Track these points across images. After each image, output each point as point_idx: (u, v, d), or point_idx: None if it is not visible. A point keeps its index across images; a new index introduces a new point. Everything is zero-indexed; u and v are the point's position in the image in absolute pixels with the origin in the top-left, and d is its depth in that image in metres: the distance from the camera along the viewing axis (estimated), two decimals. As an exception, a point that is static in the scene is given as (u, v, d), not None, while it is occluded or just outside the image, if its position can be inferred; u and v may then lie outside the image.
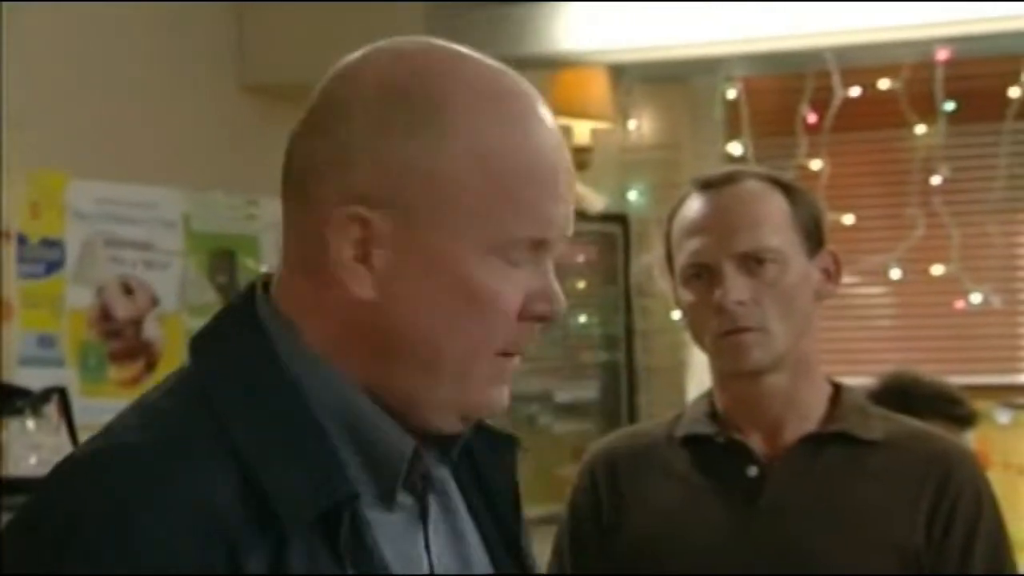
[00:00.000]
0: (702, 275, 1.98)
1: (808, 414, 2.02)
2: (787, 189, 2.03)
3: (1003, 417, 4.61)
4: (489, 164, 1.19)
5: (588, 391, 4.94)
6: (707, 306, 1.96)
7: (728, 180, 2.02)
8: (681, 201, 2.05)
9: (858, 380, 3.43)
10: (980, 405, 4.60)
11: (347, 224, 1.18)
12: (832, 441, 2.01)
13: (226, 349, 1.25)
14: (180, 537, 1.13)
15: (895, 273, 4.66)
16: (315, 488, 1.17)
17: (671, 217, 2.05)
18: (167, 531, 1.13)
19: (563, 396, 4.88)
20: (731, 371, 2.01)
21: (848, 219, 4.65)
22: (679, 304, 2.04)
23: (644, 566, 2.01)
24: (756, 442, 2.02)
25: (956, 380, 4.06)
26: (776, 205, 2.00)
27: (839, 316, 4.75)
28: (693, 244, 1.99)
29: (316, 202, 1.19)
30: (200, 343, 1.27)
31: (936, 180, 4.61)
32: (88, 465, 1.19)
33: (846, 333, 4.75)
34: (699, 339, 2.02)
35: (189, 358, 1.27)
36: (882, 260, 4.63)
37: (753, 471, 1.99)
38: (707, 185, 2.02)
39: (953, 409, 3.46)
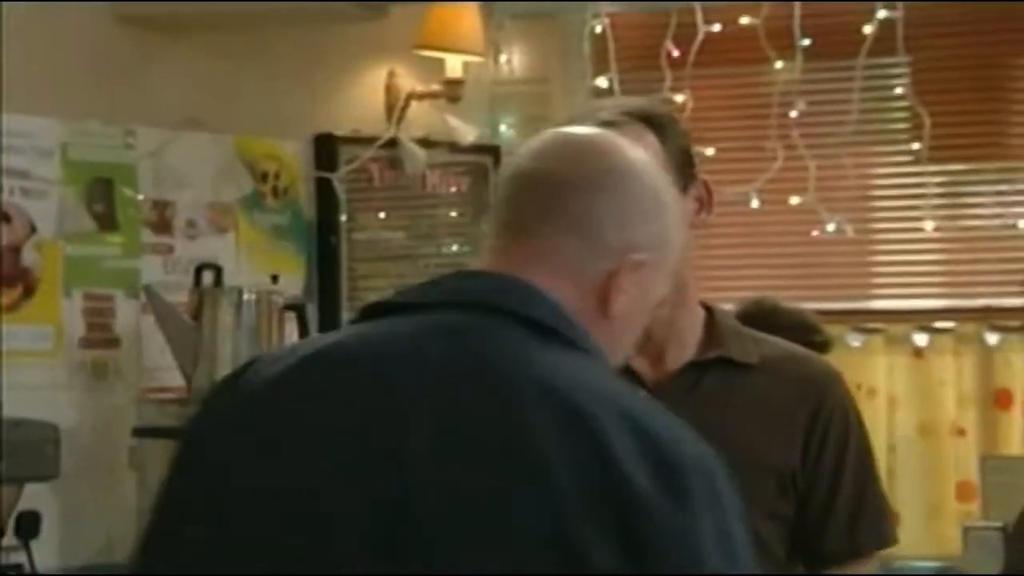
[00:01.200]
0: None
1: (686, 339, 2.09)
2: (657, 125, 2.06)
3: (855, 341, 4.80)
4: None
5: (460, 318, 5.04)
6: None
7: (603, 126, 1.99)
8: None
9: (724, 306, 3.59)
10: (833, 329, 4.79)
11: (634, 264, 1.58)
12: (713, 366, 2.08)
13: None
14: None
15: (754, 203, 4.82)
16: None
17: None
18: None
19: (435, 323, 4.99)
20: None
21: (709, 151, 4.80)
22: None
23: None
24: (643, 367, 2.07)
25: (811, 305, 4.24)
26: (650, 148, 2.02)
27: (699, 244, 4.90)
28: None
29: (598, 241, 1.58)
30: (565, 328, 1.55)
31: (794, 114, 4.77)
32: None
33: (707, 260, 4.90)
34: None
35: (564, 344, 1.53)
36: (742, 191, 4.79)
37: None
38: (604, 126, 2.00)
39: (811, 336, 3.60)
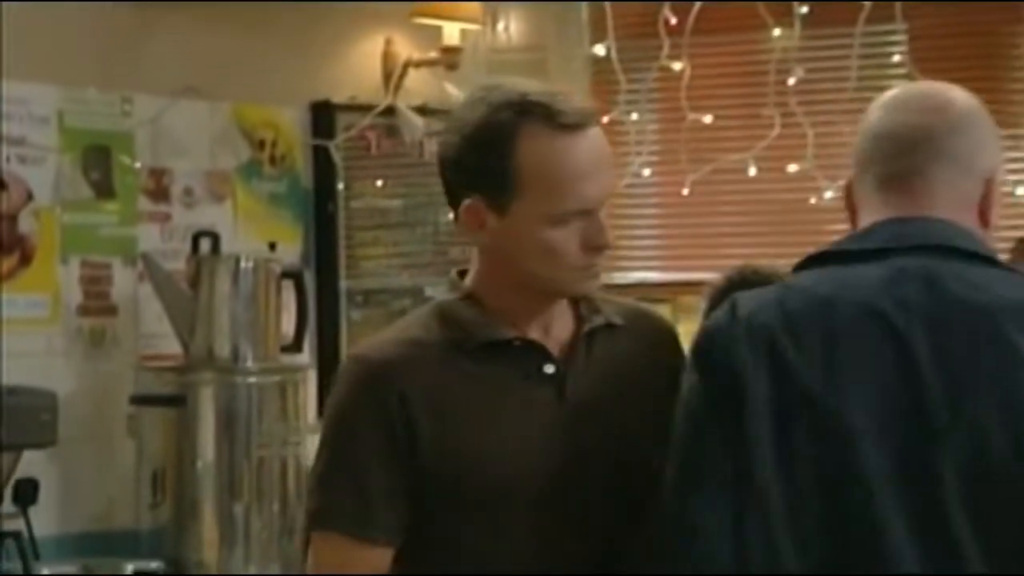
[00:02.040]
0: (575, 217, 2.03)
1: (565, 309, 2.12)
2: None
3: (851, 308, 4.81)
4: None
5: (457, 286, 5.06)
6: (576, 244, 2.03)
7: (588, 119, 2.05)
8: (515, 130, 2.02)
9: (716, 274, 3.57)
10: (830, 297, 4.80)
11: (995, 181, 1.95)
12: (601, 332, 2.12)
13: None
14: None
15: (752, 170, 4.81)
16: None
17: (504, 144, 2.02)
18: None
19: (433, 291, 5.01)
20: (579, 294, 2.09)
21: (707, 119, 4.80)
22: (536, 241, 2.03)
23: (467, 478, 2.03)
24: (543, 340, 2.09)
25: (808, 273, 4.24)
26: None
27: (698, 213, 4.92)
28: (584, 189, 2.02)
29: (973, 169, 1.94)
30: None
31: (792, 81, 4.76)
32: None
33: (704, 228, 4.92)
34: (550, 270, 2.05)
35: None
36: (740, 158, 4.78)
37: (550, 369, 2.07)
38: (572, 126, 2.03)
39: None
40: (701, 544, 1.79)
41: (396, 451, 2.03)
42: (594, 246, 2.03)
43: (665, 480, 1.87)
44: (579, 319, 2.13)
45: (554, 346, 2.10)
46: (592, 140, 2.04)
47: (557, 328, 2.12)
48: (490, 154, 2.04)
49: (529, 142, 2.03)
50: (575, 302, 2.14)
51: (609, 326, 2.13)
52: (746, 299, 1.91)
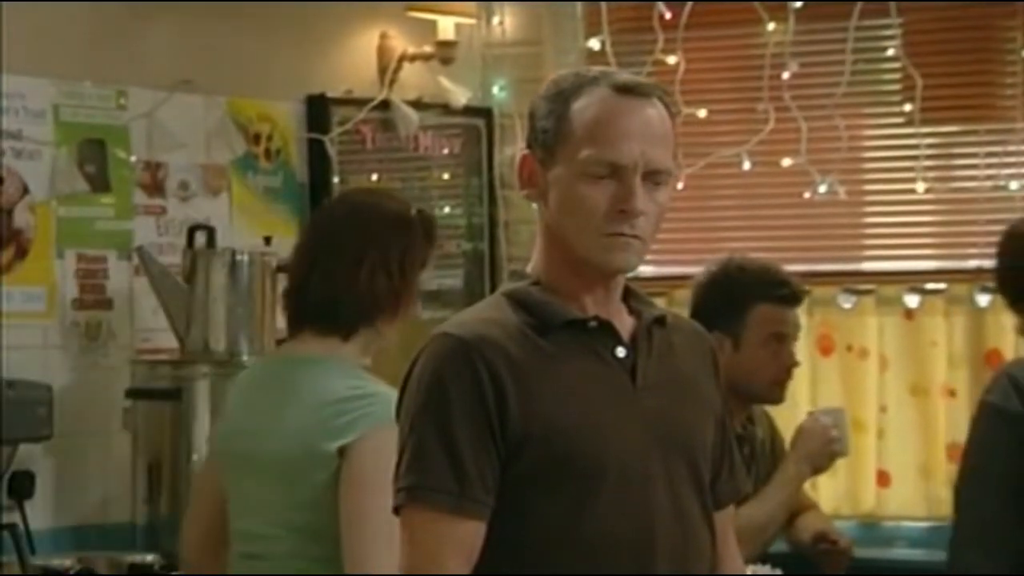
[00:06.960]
0: (605, 176, 2.06)
1: (618, 299, 2.17)
2: (666, 105, 2.13)
3: (846, 302, 4.81)
4: None
5: (452, 279, 5.07)
6: (605, 205, 2.06)
7: (647, 90, 2.10)
8: (580, 89, 2.10)
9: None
10: (825, 291, 4.81)
11: None
12: (655, 325, 2.17)
13: None
14: None
15: (746, 164, 4.82)
16: None
17: (568, 98, 2.10)
18: None
19: (428, 284, 5.00)
20: (611, 267, 2.10)
21: (702, 113, 4.81)
22: (570, 194, 2.08)
23: (555, 452, 2.05)
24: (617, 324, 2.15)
25: (802, 267, 4.25)
26: (671, 128, 2.12)
27: (693, 207, 4.92)
28: (621, 144, 2.06)
29: None
30: None
31: (786, 76, 4.77)
32: None
33: (698, 223, 4.92)
34: (578, 231, 2.08)
35: None
36: (734, 152, 4.79)
37: (622, 352, 2.11)
38: (627, 90, 2.10)
39: (780, 290, 3.55)
40: None
41: (489, 424, 2.04)
42: (619, 208, 2.06)
43: None
44: (632, 312, 2.17)
45: (622, 332, 2.14)
46: (646, 109, 2.09)
47: (617, 318, 2.15)
48: (551, 108, 2.12)
49: (585, 99, 2.10)
50: (625, 296, 2.17)
51: (660, 321, 2.18)
52: None
